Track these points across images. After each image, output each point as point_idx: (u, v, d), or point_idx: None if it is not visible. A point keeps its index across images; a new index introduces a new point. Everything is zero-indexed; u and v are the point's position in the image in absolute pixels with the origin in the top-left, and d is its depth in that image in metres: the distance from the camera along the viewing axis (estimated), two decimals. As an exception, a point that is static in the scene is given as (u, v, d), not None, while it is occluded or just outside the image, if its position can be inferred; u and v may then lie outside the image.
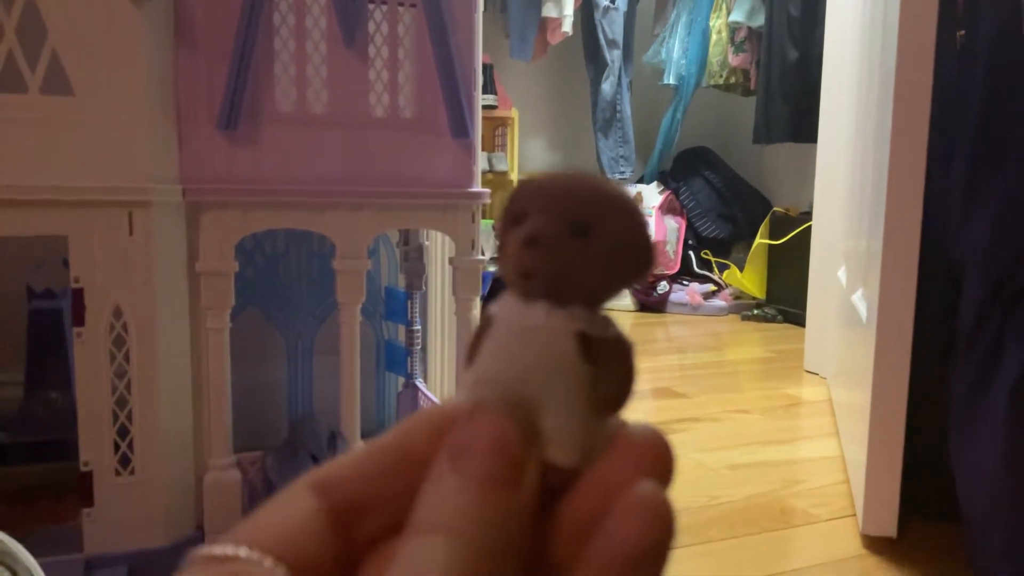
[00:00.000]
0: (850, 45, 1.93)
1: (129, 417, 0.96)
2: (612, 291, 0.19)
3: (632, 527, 0.16)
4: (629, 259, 0.19)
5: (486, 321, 0.19)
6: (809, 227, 2.35)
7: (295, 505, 0.18)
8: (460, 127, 1.05)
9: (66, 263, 0.94)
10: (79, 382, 0.94)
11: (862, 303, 1.33)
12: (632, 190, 3.53)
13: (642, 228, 0.19)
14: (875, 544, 1.11)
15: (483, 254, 1.13)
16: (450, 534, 0.16)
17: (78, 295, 0.92)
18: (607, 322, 0.19)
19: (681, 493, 1.29)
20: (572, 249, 0.18)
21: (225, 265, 1.00)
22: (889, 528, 1.09)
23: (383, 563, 0.18)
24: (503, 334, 0.19)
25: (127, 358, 0.95)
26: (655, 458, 0.17)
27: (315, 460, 1.11)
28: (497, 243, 0.20)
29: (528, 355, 0.18)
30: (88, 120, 0.91)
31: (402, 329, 1.36)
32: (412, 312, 1.33)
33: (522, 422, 0.17)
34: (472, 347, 0.20)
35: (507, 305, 0.19)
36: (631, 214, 0.19)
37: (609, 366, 0.18)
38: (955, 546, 1.08)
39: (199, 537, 1.02)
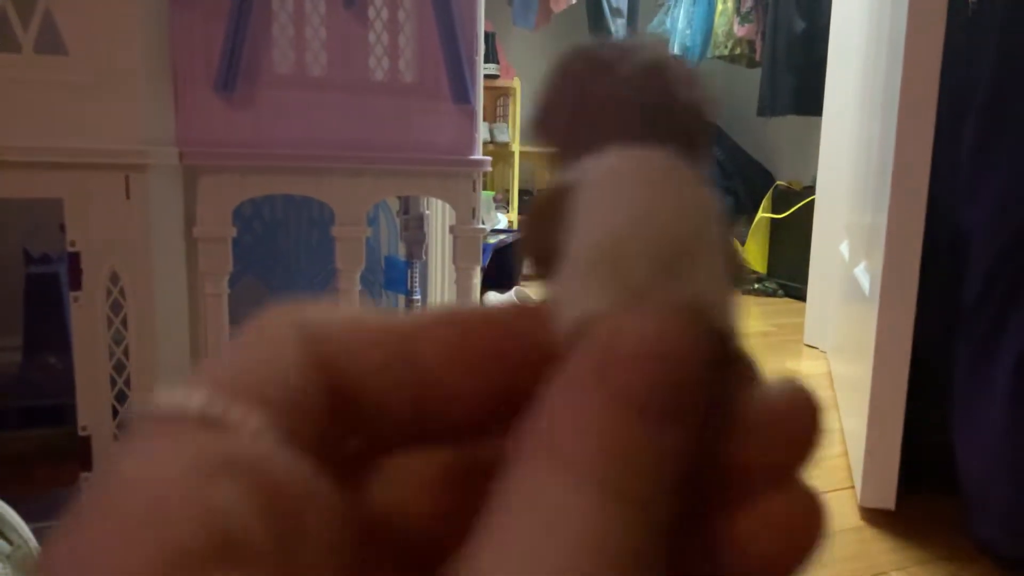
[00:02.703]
0: (858, 15, 1.90)
1: (127, 382, 0.95)
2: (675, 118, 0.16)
3: (779, 546, 0.13)
4: (712, 102, 0.16)
5: (556, 193, 0.15)
6: (812, 201, 2.33)
7: (283, 350, 0.13)
8: (461, 92, 1.03)
9: (63, 228, 0.93)
10: (76, 347, 0.93)
11: (865, 276, 1.32)
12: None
13: (664, 53, 0.16)
14: (873, 516, 1.11)
15: (483, 223, 1.12)
16: (607, 489, 0.11)
17: (74, 259, 0.91)
18: (706, 177, 0.15)
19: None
20: (687, 87, 0.15)
21: (223, 230, 0.99)
22: (887, 500, 1.09)
23: (441, 486, 0.14)
24: (615, 189, 0.14)
25: (124, 323, 0.94)
26: (806, 439, 0.13)
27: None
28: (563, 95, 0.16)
29: (674, 200, 0.14)
30: (83, 80, 0.89)
31: (402, 299, 1.35)
32: (412, 281, 1.32)
33: (688, 310, 0.13)
34: (538, 225, 0.15)
35: (593, 163, 0.14)
36: (647, 46, 0.16)
37: (732, 236, 0.15)
38: (953, 518, 1.08)
39: (198, 502, 1.02)
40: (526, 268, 0.15)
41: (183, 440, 0.12)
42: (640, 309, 0.12)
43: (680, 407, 0.12)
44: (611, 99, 0.15)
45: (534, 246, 0.15)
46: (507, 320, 0.14)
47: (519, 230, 0.16)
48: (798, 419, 0.13)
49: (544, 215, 0.15)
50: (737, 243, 0.15)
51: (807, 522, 0.13)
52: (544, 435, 0.11)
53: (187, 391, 0.12)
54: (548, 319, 0.13)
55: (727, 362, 0.13)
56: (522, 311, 0.14)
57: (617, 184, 0.14)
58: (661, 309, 0.12)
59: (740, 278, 0.15)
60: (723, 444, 0.13)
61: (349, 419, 0.14)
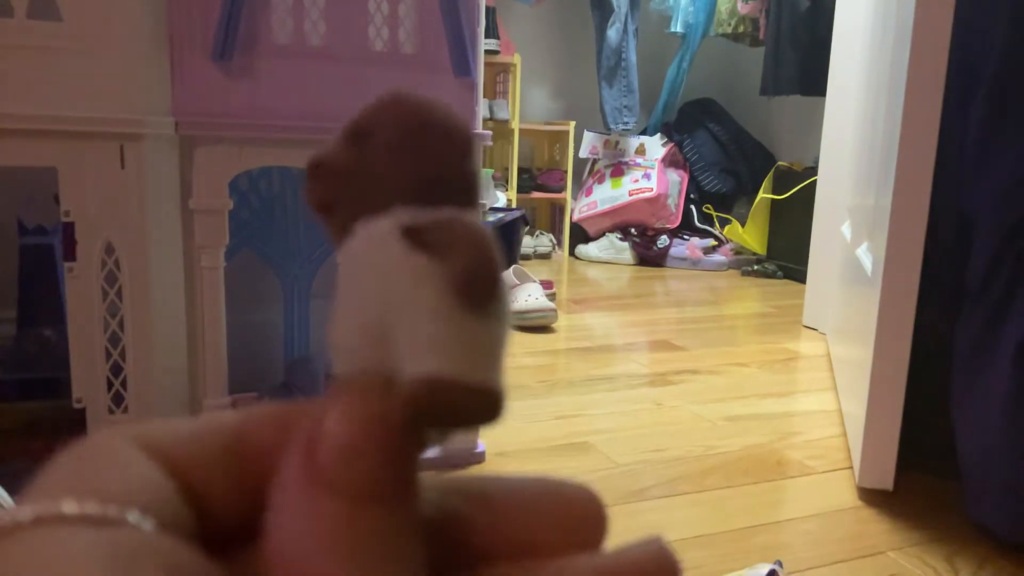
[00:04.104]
0: (865, -7, 1.87)
1: (122, 355, 0.95)
2: (440, 184, 0.16)
3: None
4: (429, 144, 0.16)
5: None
6: (813, 182, 2.32)
7: (127, 456, 0.13)
8: (462, 64, 1.02)
9: (57, 199, 0.91)
10: (70, 318, 0.92)
11: (867, 256, 1.31)
12: (634, 143, 3.49)
13: (426, 110, 0.16)
14: (871, 496, 1.11)
15: (482, 201, 1.11)
16: (337, 567, 0.12)
17: (68, 229, 0.90)
18: (446, 211, 0.15)
19: (678, 443, 1.29)
20: (353, 159, 0.16)
21: (219, 202, 0.97)
22: (885, 481, 1.09)
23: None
24: (350, 271, 0.15)
25: (119, 295, 0.93)
26: None
27: (311, 403, 1.10)
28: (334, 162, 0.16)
29: (360, 283, 0.15)
30: (77, 47, 0.88)
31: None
32: (410, 257, 1.31)
33: (388, 379, 0.13)
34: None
35: (348, 242, 0.16)
36: (411, 105, 0.16)
37: (454, 247, 0.14)
38: (950, 499, 1.08)
39: (194, 476, 1.01)
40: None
41: (84, 537, 0.11)
42: (336, 400, 0.13)
43: (373, 485, 0.13)
44: (372, 168, 0.16)
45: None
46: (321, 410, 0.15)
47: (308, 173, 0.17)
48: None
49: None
50: (444, 266, 0.14)
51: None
52: (280, 536, 0.13)
53: (49, 499, 0.12)
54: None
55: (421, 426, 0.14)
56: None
57: (349, 268, 0.15)
58: (354, 399, 0.13)
59: (457, 291, 0.14)
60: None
61: (202, 515, 0.14)
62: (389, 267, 0.14)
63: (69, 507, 0.12)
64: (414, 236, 0.14)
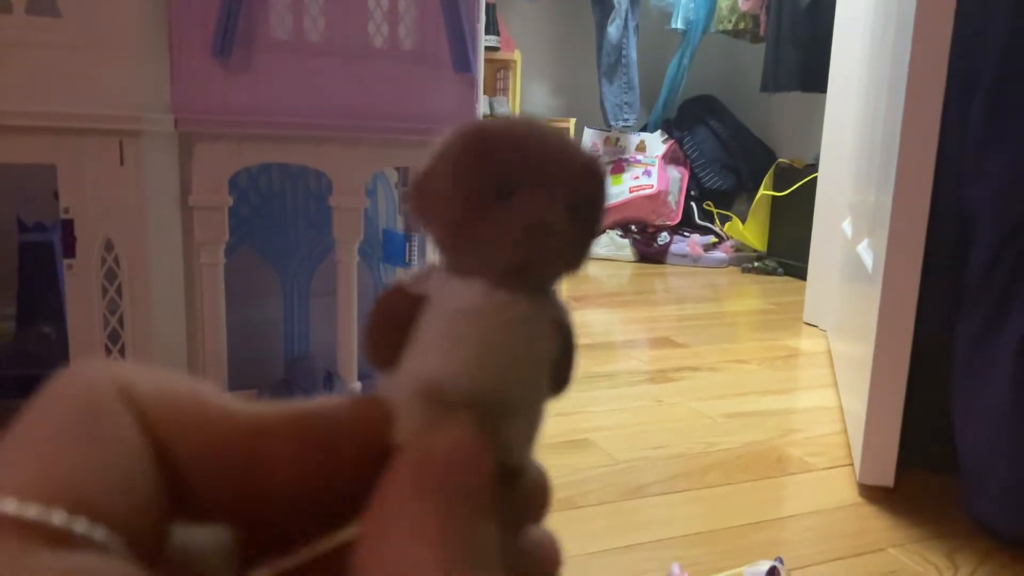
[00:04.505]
0: (866, -11, 1.87)
1: (122, 351, 0.94)
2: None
3: None
4: (597, 233, 0.16)
5: (411, 302, 0.16)
6: (814, 179, 2.32)
7: (105, 423, 0.13)
8: (462, 60, 1.01)
9: (57, 196, 0.91)
10: (70, 315, 0.92)
11: (868, 253, 1.31)
12: (635, 139, 3.48)
13: (605, 196, 0.16)
14: (871, 493, 1.11)
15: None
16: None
17: (68, 226, 0.90)
18: (562, 303, 0.16)
19: (679, 440, 1.29)
20: (570, 234, 0.15)
21: (219, 199, 0.97)
22: (886, 478, 1.09)
23: None
24: (466, 326, 0.15)
25: (119, 292, 0.93)
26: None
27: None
28: (464, 217, 0.15)
29: (512, 351, 0.15)
30: (76, 43, 0.87)
31: (401, 272, 1.34)
32: (411, 255, 1.31)
33: (487, 431, 0.15)
34: (389, 333, 0.16)
35: (455, 288, 0.15)
36: (603, 182, 0.16)
37: (572, 352, 0.17)
38: (951, 496, 1.08)
39: (194, 473, 1.01)
40: (369, 359, 0.16)
41: (30, 557, 0.10)
42: (445, 429, 0.14)
43: (475, 501, 0.14)
44: (495, 217, 0.15)
45: (379, 347, 0.16)
46: (346, 421, 0.15)
47: (366, 331, 0.16)
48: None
49: (392, 315, 0.16)
50: (562, 366, 0.17)
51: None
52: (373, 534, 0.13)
53: (16, 495, 0.11)
54: (384, 416, 0.15)
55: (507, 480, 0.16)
56: (361, 407, 0.15)
57: (469, 325, 0.15)
58: (480, 441, 0.14)
59: (557, 390, 0.17)
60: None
61: (184, 508, 0.14)
62: (544, 357, 0.16)
63: (8, 506, 0.11)
64: (564, 335, 0.16)
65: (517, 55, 3.29)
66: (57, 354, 1.06)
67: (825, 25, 2.37)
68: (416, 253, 1.32)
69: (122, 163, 0.90)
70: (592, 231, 0.16)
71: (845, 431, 1.35)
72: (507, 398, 0.15)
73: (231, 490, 0.14)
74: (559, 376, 0.16)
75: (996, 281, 0.98)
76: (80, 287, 0.91)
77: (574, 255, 0.16)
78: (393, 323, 0.16)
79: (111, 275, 0.93)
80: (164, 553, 0.13)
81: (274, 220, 1.25)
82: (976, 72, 1.03)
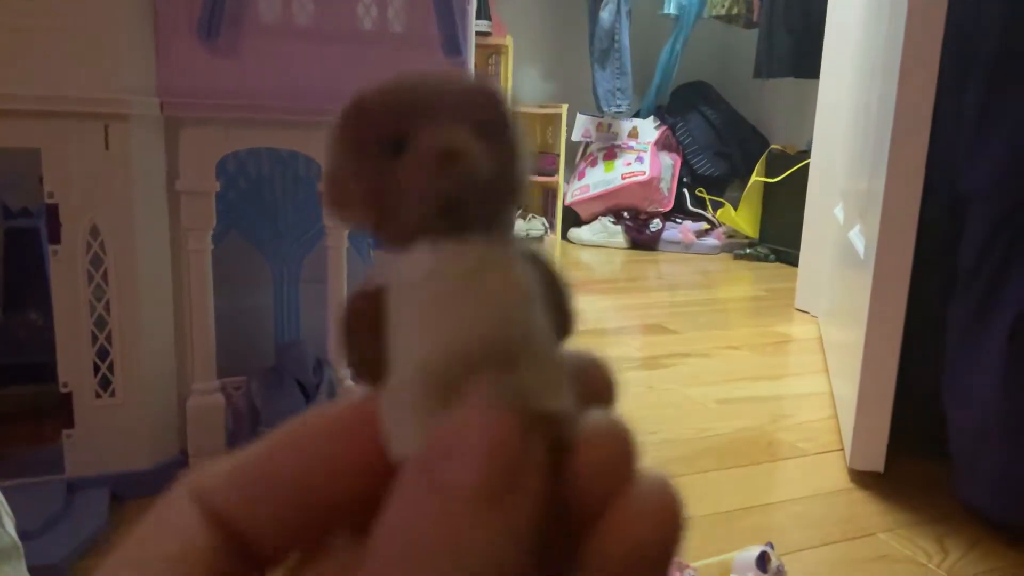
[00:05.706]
0: (859, -27, 1.86)
1: (109, 339, 0.94)
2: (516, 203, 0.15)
3: (644, 530, 0.14)
4: (526, 160, 0.15)
5: (373, 300, 0.14)
6: (806, 165, 2.31)
7: (174, 521, 0.14)
8: (452, 44, 1.00)
9: (42, 181, 0.90)
10: (56, 301, 0.91)
11: (860, 239, 1.31)
12: (627, 126, 3.47)
13: (509, 113, 0.15)
14: (862, 478, 1.11)
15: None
16: None
17: (52, 211, 0.89)
18: (526, 239, 0.16)
19: (670, 425, 1.29)
20: (488, 160, 0.14)
21: (206, 184, 0.96)
22: (876, 463, 1.09)
23: None
24: (430, 293, 0.14)
25: (105, 279, 0.92)
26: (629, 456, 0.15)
27: (301, 386, 1.09)
28: (369, 184, 0.14)
29: (487, 295, 0.14)
30: (58, 25, 0.86)
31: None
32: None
33: (511, 397, 0.13)
34: (362, 339, 0.14)
35: (403, 263, 0.14)
36: (502, 98, 0.15)
37: (559, 284, 0.15)
38: (941, 480, 1.09)
39: (183, 460, 1.01)
40: (350, 376, 0.15)
41: None
42: (466, 412, 0.13)
43: (505, 489, 0.12)
44: (404, 184, 0.14)
45: (356, 355, 0.15)
46: (351, 428, 0.14)
47: (342, 345, 0.15)
48: (610, 451, 0.14)
49: (361, 321, 0.14)
50: (559, 302, 0.15)
51: (660, 507, 0.14)
52: (386, 541, 0.12)
53: None
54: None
55: (553, 438, 0.13)
56: (358, 416, 0.14)
57: (433, 291, 0.14)
58: (487, 410, 0.13)
59: (565, 327, 0.16)
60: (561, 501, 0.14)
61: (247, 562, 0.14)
62: (533, 296, 0.14)
63: None
64: (544, 268, 0.15)
65: (509, 40, 3.26)
66: (44, 341, 1.05)
67: (818, 11, 2.36)
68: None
69: (107, 147, 0.88)
70: (512, 152, 0.15)
71: (836, 417, 1.35)
72: (509, 347, 0.13)
73: (283, 532, 0.14)
74: (558, 313, 0.15)
75: (990, 263, 0.98)
76: (66, 273, 0.90)
77: (505, 182, 0.14)
78: (363, 327, 0.14)
79: (97, 261, 0.92)
80: None
81: (263, 206, 1.24)
82: (971, 55, 1.02)
